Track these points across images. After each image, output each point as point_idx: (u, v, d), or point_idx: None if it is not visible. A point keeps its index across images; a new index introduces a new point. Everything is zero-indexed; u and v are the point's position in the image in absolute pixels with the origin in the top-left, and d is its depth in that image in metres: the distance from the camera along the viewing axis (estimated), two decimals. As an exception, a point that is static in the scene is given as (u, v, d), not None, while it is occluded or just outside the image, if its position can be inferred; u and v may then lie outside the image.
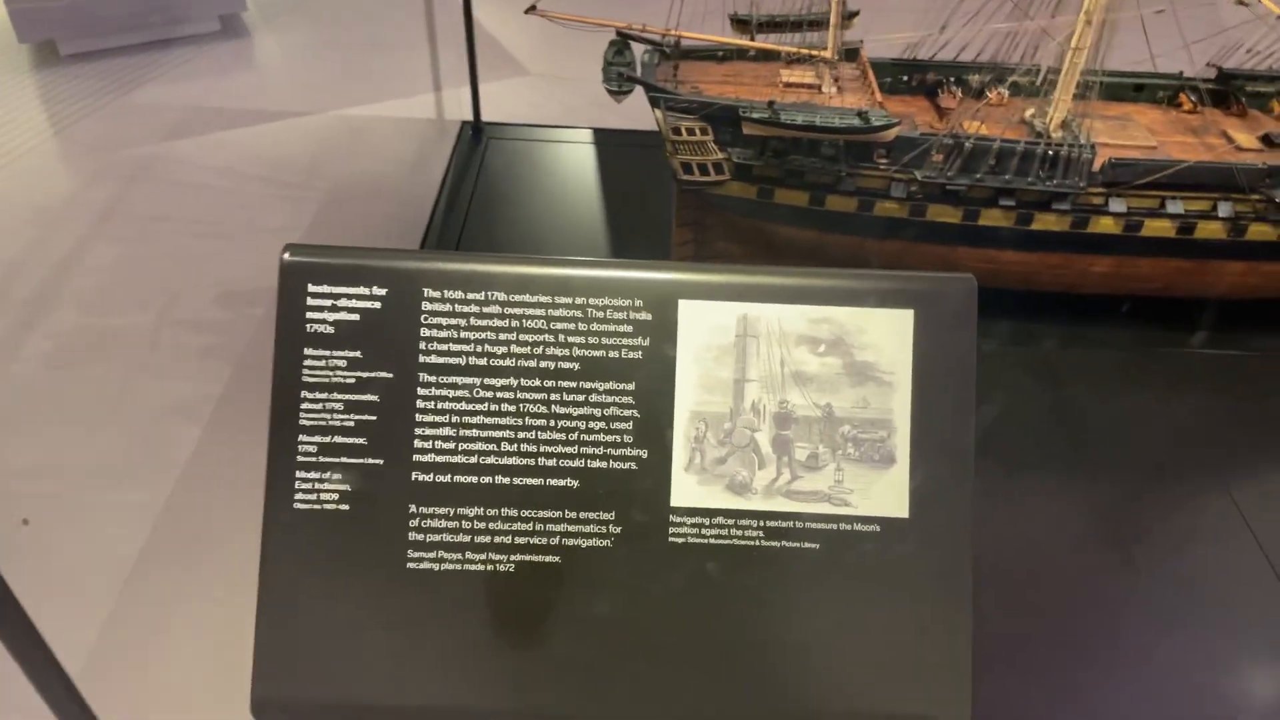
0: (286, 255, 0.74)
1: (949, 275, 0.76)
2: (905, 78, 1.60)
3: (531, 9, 1.43)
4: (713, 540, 0.73)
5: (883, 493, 0.74)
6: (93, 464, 1.50)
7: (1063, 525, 1.39)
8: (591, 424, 0.74)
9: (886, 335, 0.75)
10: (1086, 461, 1.45)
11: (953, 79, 1.59)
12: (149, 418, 1.61)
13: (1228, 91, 1.65)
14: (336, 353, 0.73)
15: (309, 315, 0.73)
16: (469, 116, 2.18)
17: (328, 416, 0.73)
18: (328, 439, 0.73)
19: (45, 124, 2.35)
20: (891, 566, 0.73)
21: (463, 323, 0.74)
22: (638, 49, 1.54)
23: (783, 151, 1.42)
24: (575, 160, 2.08)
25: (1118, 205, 1.45)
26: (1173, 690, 1.16)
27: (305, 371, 0.73)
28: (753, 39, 1.57)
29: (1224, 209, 1.46)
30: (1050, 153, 1.40)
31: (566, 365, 0.74)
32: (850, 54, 1.57)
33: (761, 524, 0.73)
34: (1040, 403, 1.57)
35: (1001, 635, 1.15)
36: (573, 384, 0.74)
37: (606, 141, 2.11)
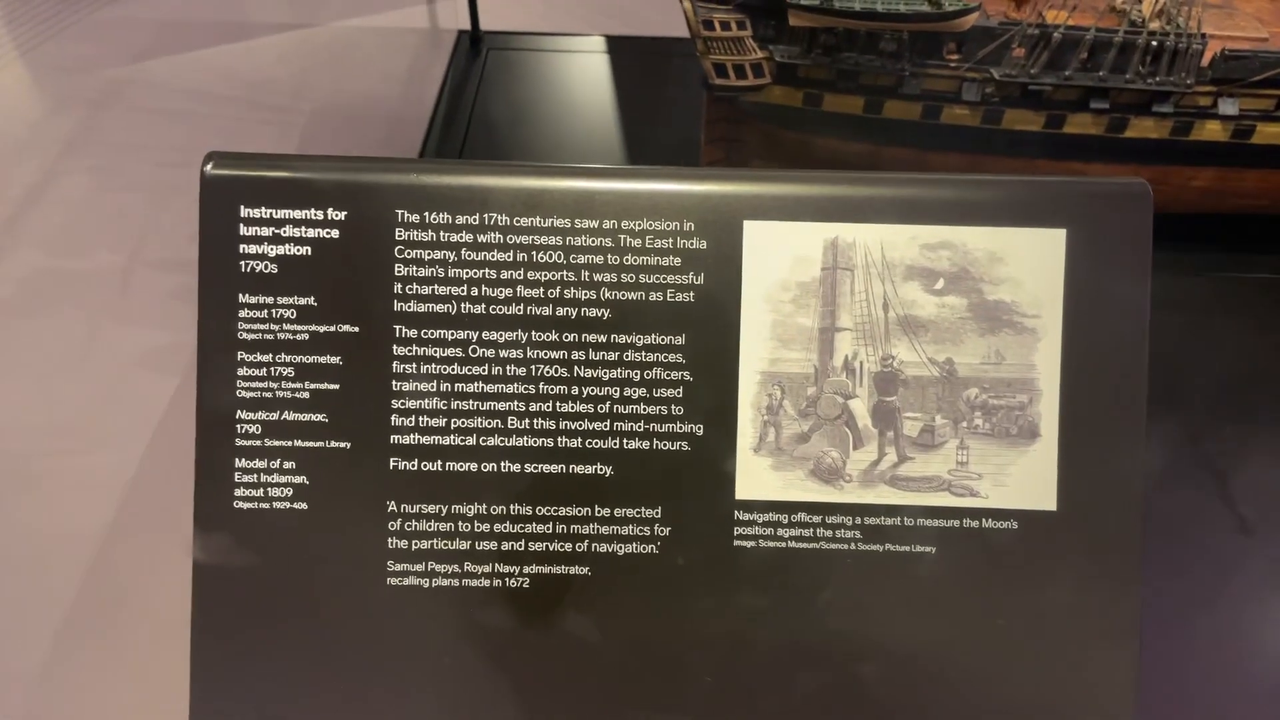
0: (209, 167, 0.54)
1: (1115, 180, 0.56)
2: (975, -39, 1.36)
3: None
4: (793, 544, 0.55)
5: (1022, 478, 0.55)
6: (54, 423, 1.33)
7: (1170, 478, 1.21)
8: (628, 391, 0.55)
9: (1029, 265, 0.55)
10: (1191, 404, 1.26)
11: (1031, -39, 1.35)
12: (118, 369, 1.43)
13: (1352, -28, 1.40)
14: (282, 299, 0.54)
15: (243, 249, 0.54)
16: (466, 26, 1.94)
17: (274, 386, 0.54)
18: (275, 415, 0.54)
19: (5, 46, 2.13)
20: (1032, 578, 0.55)
21: (451, 256, 0.54)
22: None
23: (834, 48, 1.19)
24: (586, 72, 1.85)
25: (1228, 107, 1.23)
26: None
27: (241, 325, 0.54)
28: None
29: (1355, 109, 1.23)
30: (1154, 44, 1.17)
31: (593, 312, 0.55)
32: (911, -68, 1.32)
33: (858, 522, 0.55)
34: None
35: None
36: (602, 337, 0.55)
37: (621, 50, 1.87)
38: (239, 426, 0.54)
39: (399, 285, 0.54)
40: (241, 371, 0.54)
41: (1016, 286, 0.54)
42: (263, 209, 0.53)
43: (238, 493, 0.54)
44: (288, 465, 0.54)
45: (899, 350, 0.55)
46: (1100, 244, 0.54)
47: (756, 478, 0.54)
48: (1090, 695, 0.53)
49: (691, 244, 0.54)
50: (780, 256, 0.55)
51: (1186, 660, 0.97)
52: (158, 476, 1.27)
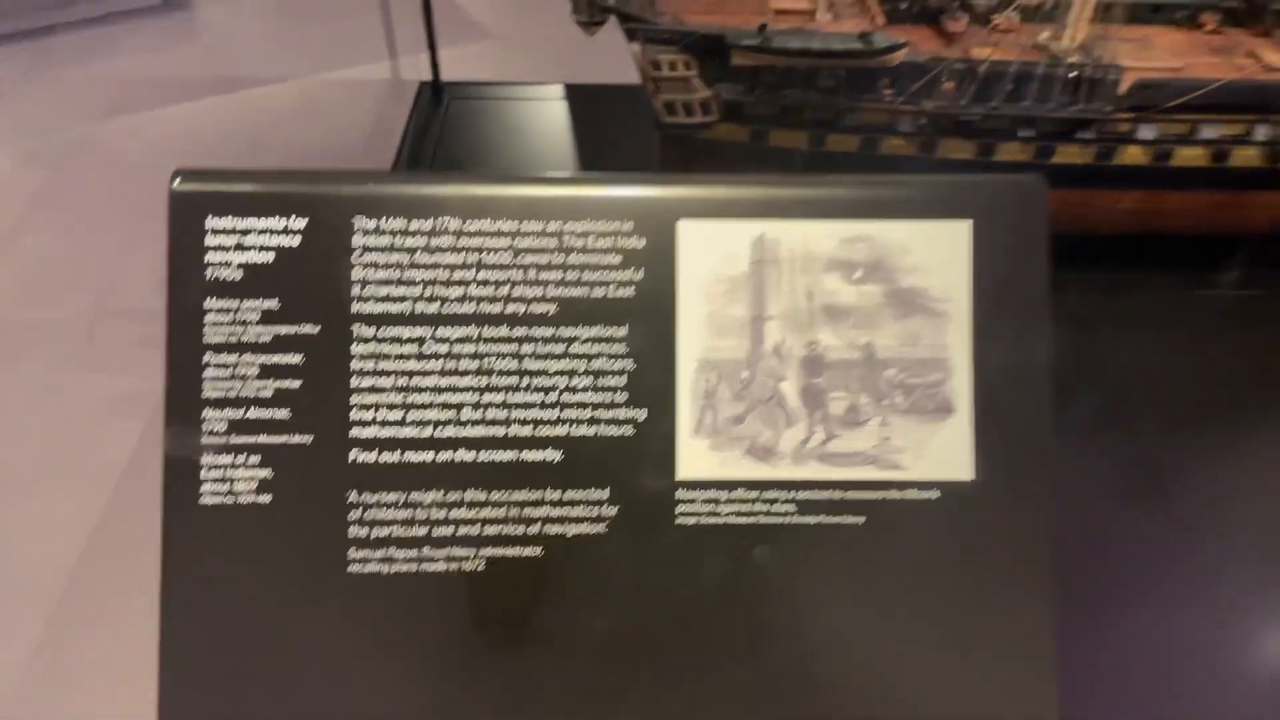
0: (177, 182, 0.58)
1: (1012, 176, 0.61)
2: (905, 3, 1.45)
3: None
4: (732, 519, 0.58)
5: (941, 450, 0.59)
6: (20, 470, 1.33)
7: (1102, 476, 1.26)
8: (575, 380, 0.59)
9: (938, 253, 0.60)
10: (1122, 411, 1.32)
11: (957, 3, 1.44)
12: (84, 415, 1.45)
13: (1253, 10, 1.51)
14: (247, 302, 0.58)
15: (210, 257, 0.57)
16: (428, 77, 2.00)
17: (238, 384, 0.57)
18: (240, 413, 0.57)
19: (-32, 106, 2.17)
20: (955, 542, 0.59)
21: (406, 259, 0.58)
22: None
23: (776, 85, 1.27)
24: (545, 120, 1.92)
25: (1147, 132, 1.31)
26: (1214, 640, 1.03)
27: (207, 328, 0.57)
28: (737, -36, 1.41)
29: (1261, 132, 1.32)
30: (1073, 75, 1.26)
31: (540, 308, 0.59)
32: (845, -22, 1.42)
33: (792, 496, 0.59)
34: (1069, 353, 1.42)
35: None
36: (549, 331, 0.59)
37: (579, 98, 1.94)
38: (205, 424, 0.57)
39: (357, 287, 0.58)
40: (208, 372, 0.57)
41: (928, 274, 0.59)
42: (228, 218, 0.57)
43: (205, 489, 0.57)
44: (253, 460, 0.57)
45: (823, 336, 0.59)
46: (1002, 233, 0.59)
47: (696, 458, 0.58)
48: (1011, 643, 0.56)
49: (630, 243, 0.59)
50: (712, 252, 0.59)
51: (1115, 647, 1.01)
52: (122, 522, 1.28)
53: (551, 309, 0.58)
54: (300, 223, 0.58)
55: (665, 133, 1.37)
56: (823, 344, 0.59)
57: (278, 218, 0.57)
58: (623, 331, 0.58)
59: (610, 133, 1.82)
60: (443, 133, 1.83)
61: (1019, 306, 0.59)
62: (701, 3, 1.41)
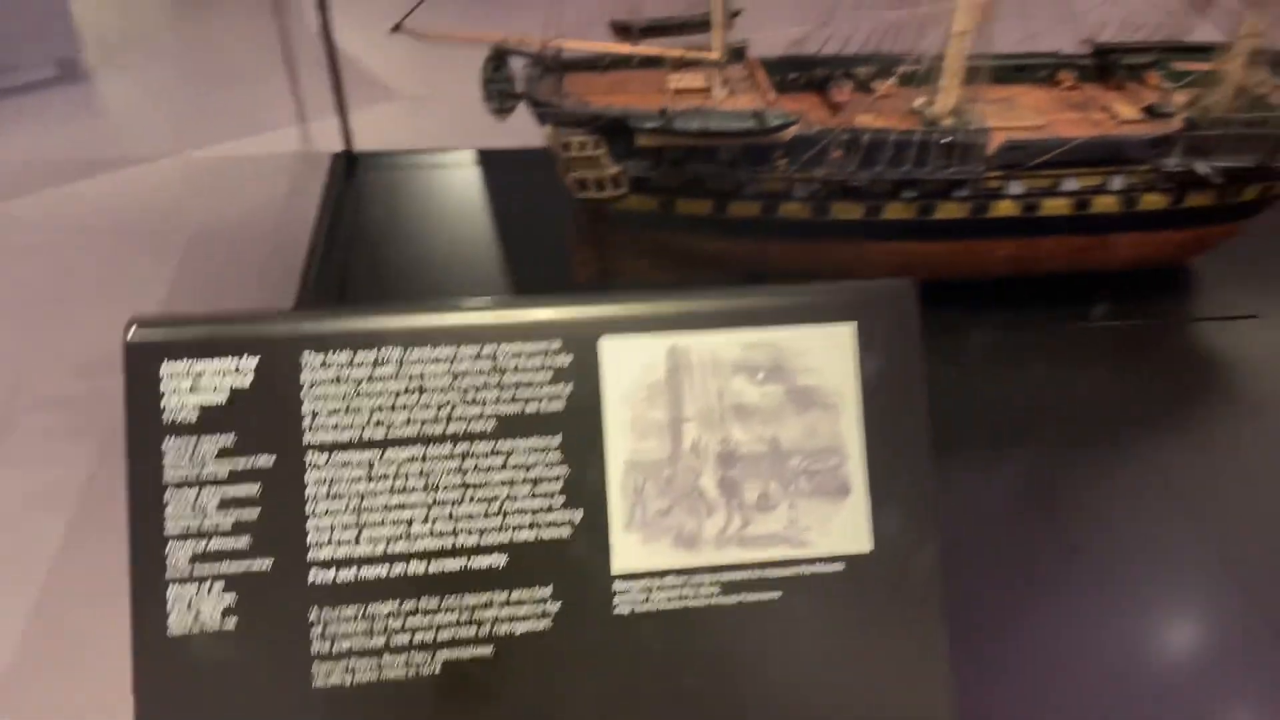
0: (133, 331, 0.62)
1: (886, 281, 0.70)
2: (793, 75, 1.57)
3: (397, 28, 1.32)
4: (664, 605, 0.65)
5: (842, 526, 0.67)
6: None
7: (994, 499, 1.38)
8: (515, 489, 0.65)
9: (828, 354, 0.68)
10: (1010, 438, 1.45)
11: (841, 73, 1.56)
12: (3, 513, 1.42)
13: (1105, 66, 1.68)
14: (204, 441, 0.62)
15: (166, 401, 0.62)
16: (339, 147, 2.03)
17: (199, 519, 0.61)
18: (203, 545, 0.61)
19: None
20: (859, 606, 0.67)
21: (352, 389, 0.64)
22: (516, 63, 1.45)
23: (680, 160, 1.36)
24: (460, 185, 1.97)
25: (1015, 187, 1.45)
26: (1110, 648, 1.15)
27: (167, 467, 0.61)
28: (635, 45, 1.50)
29: (1116, 182, 1.47)
30: (945, 141, 1.38)
31: (479, 425, 0.65)
32: (737, 54, 1.52)
33: (717, 578, 0.66)
34: (961, 386, 1.55)
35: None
36: (489, 445, 0.65)
37: (491, 162, 2.01)
38: (169, 558, 0.60)
39: (308, 418, 0.63)
40: (169, 509, 0.61)
41: (820, 373, 0.68)
42: (182, 363, 0.62)
43: (171, 620, 0.60)
44: (217, 588, 0.61)
45: (735, 432, 0.67)
46: (880, 332, 0.68)
47: (629, 552, 0.65)
48: (912, 686, 0.65)
49: (558, 360, 0.66)
50: (632, 364, 0.66)
51: (1008, 666, 1.11)
52: (50, 624, 1.27)
53: (490, 425, 0.64)
54: (251, 362, 0.62)
55: (579, 205, 1.45)
56: (735, 440, 0.67)
57: (230, 359, 0.62)
58: (556, 441, 0.65)
59: (524, 198, 1.89)
60: (358, 204, 1.87)
61: (899, 395, 0.67)
62: (605, 83, 1.49)
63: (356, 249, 1.75)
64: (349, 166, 1.98)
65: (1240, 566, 1.26)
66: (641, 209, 1.45)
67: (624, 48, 1.47)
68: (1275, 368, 1.64)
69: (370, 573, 0.63)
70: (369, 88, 2.49)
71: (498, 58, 1.41)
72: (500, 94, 1.36)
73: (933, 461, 0.68)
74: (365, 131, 2.11)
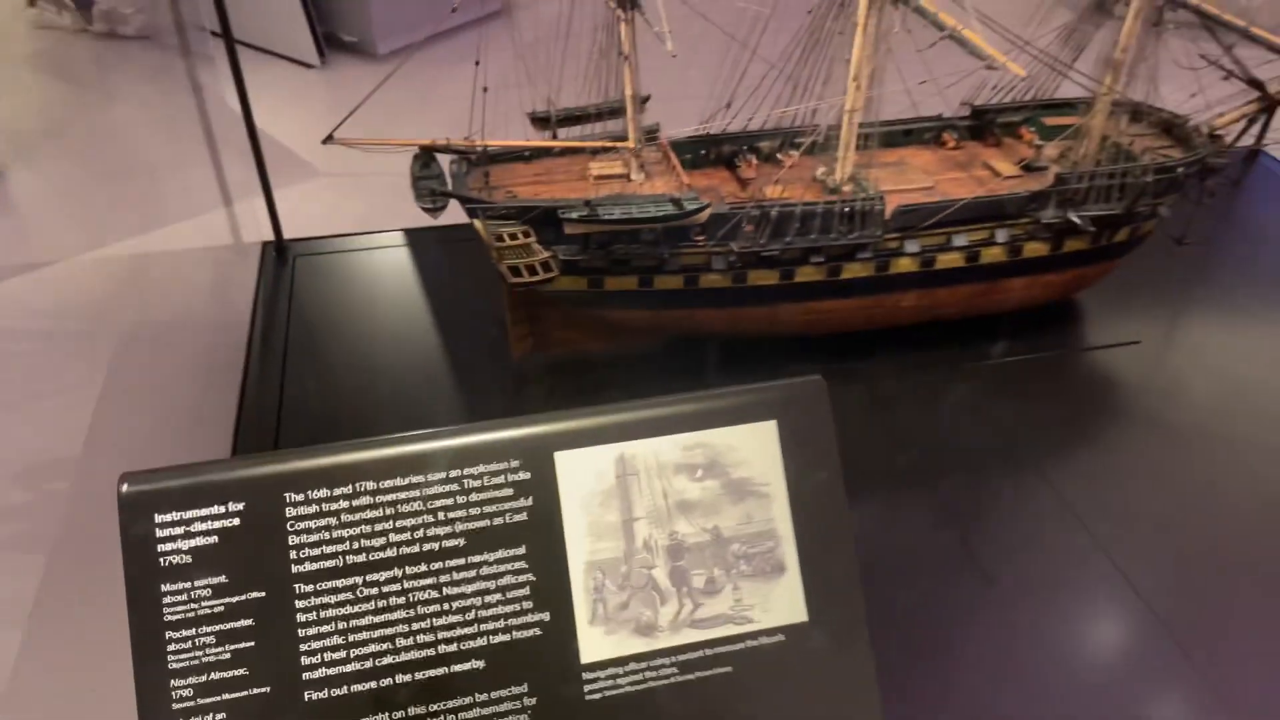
0: (125, 486, 0.67)
1: (800, 380, 0.80)
2: (703, 151, 1.68)
3: (329, 139, 1.38)
4: (629, 689, 0.73)
5: (780, 601, 0.76)
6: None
7: (916, 534, 1.49)
8: (488, 598, 0.72)
9: (756, 449, 0.78)
10: (926, 477, 1.57)
11: (746, 147, 1.69)
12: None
13: (982, 125, 1.84)
14: (198, 582, 0.67)
15: (161, 548, 0.67)
16: (267, 234, 2.07)
17: (199, 654, 0.67)
18: (203, 678, 0.67)
19: None
20: (800, 669, 0.76)
21: (333, 521, 0.70)
22: (443, 158, 1.53)
23: (606, 243, 1.45)
24: (393, 266, 2.03)
25: (912, 246, 1.58)
26: (1026, 661, 1.27)
27: (166, 610, 0.67)
28: (555, 135, 1.60)
29: (1001, 235, 1.62)
30: (846, 210, 1.51)
31: (451, 543, 0.72)
32: (650, 136, 1.63)
33: (674, 660, 0.74)
34: (878, 428, 1.68)
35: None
36: (461, 561, 0.72)
37: (421, 241, 2.07)
38: (174, 694, 0.66)
39: (294, 552, 0.69)
40: (170, 648, 0.66)
41: (751, 466, 0.77)
42: (174, 513, 0.67)
43: (178, 750, 0.65)
44: (219, 717, 0.66)
45: (680, 526, 0.76)
46: (799, 426, 0.78)
47: (595, 644, 0.73)
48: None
49: (518, 477, 0.73)
50: (585, 474, 0.75)
51: (934, 698, 1.22)
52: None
53: (461, 542, 0.72)
54: (238, 506, 0.68)
55: (513, 288, 1.53)
56: (681, 533, 0.75)
57: (217, 506, 0.68)
58: (521, 550, 0.72)
59: (456, 275, 1.96)
60: (293, 293, 1.91)
61: (819, 481, 0.77)
62: (530, 172, 1.58)
63: (295, 339, 1.79)
64: (279, 254, 2.02)
65: (1138, 578, 1.40)
66: (573, 288, 1.54)
67: (547, 142, 1.57)
68: (1157, 388, 1.82)
69: (360, 687, 0.69)
70: (291, 168, 2.53)
71: (425, 155, 1.49)
72: (430, 192, 1.44)
73: (852, 532, 0.77)
74: (293, 215, 2.14)
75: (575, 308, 1.61)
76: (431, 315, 1.89)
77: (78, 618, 1.38)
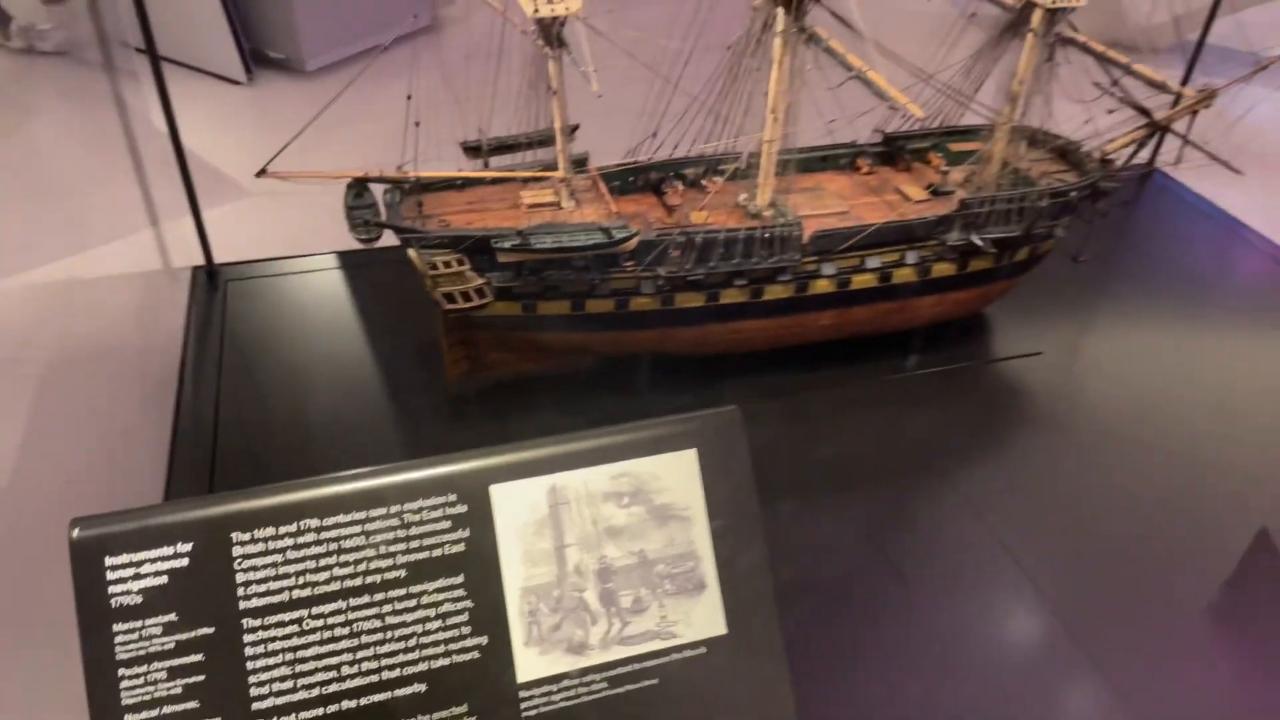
0: (76, 531, 0.70)
1: (717, 410, 0.87)
2: (631, 179, 1.75)
3: (261, 173, 1.41)
4: (564, 704, 0.78)
5: (702, 616, 0.83)
6: None
7: (832, 541, 1.58)
8: (428, 625, 0.77)
9: (677, 476, 0.84)
10: (845, 486, 1.66)
11: (672, 174, 1.76)
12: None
13: (894, 151, 1.95)
14: (149, 621, 0.71)
15: (111, 590, 0.70)
16: (197, 257, 2.06)
17: (152, 689, 0.70)
18: (156, 712, 0.70)
19: None
20: (721, 678, 0.82)
21: (279, 558, 0.74)
22: (377, 186, 1.56)
23: (538, 269, 1.50)
24: (326, 289, 2.04)
25: (829, 268, 1.67)
26: (933, 658, 1.36)
27: (118, 649, 0.70)
28: (486, 164, 1.64)
29: (911, 257, 1.73)
30: (766, 235, 1.59)
31: (393, 574, 0.76)
32: (579, 165, 1.69)
33: (605, 675, 0.80)
34: (799, 441, 1.76)
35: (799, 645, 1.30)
36: (402, 591, 0.76)
37: (354, 263, 2.09)
38: (126, 728, 0.69)
39: (241, 589, 0.73)
40: (124, 684, 0.69)
41: (673, 493, 0.83)
42: (124, 555, 0.71)
43: (131, 783, 0.69)
44: (172, 750, 0.70)
45: (609, 551, 0.82)
46: (717, 453, 0.85)
47: (530, 664, 0.78)
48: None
49: (456, 510, 0.79)
50: (519, 505, 0.80)
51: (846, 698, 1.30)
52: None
53: (402, 574, 0.76)
54: (186, 547, 0.72)
55: (447, 315, 1.57)
56: (610, 557, 0.81)
57: (166, 547, 0.72)
58: (460, 579, 0.78)
59: (390, 297, 1.98)
60: (225, 317, 1.91)
61: (736, 504, 0.84)
62: (462, 200, 1.63)
63: (229, 364, 1.79)
64: (210, 279, 2.02)
65: (1039, 577, 1.50)
66: (507, 313, 1.59)
67: (479, 173, 1.61)
68: (1059, 396, 1.94)
69: (308, 714, 0.73)
70: (222, 188, 2.51)
71: (358, 185, 1.52)
72: (364, 223, 1.47)
73: (764, 548, 0.85)
74: (223, 235, 2.14)
75: (509, 331, 1.66)
76: (366, 337, 1.91)
77: (15, 650, 1.37)
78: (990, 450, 1.82)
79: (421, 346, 1.83)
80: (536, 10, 1.41)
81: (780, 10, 1.51)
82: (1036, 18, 1.70)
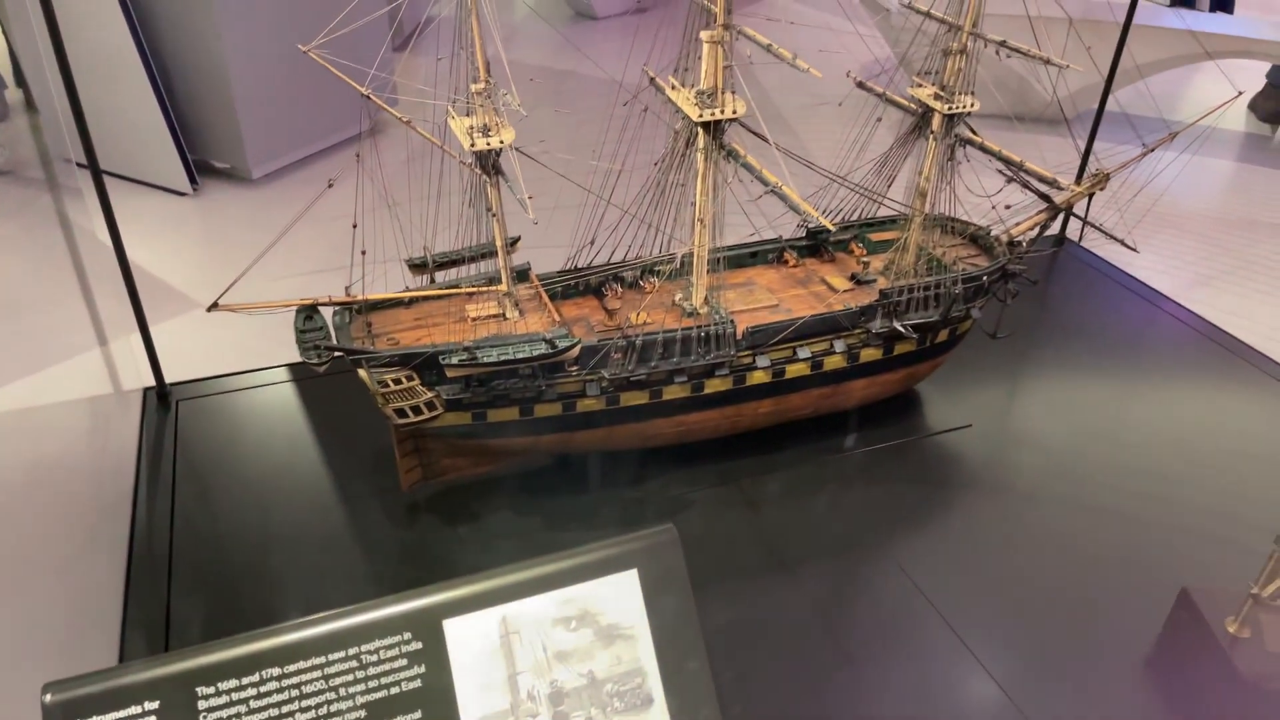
0: (48, 696, 0.74)
1: (654, 530, 0.94)
2: (572, 284, 1.84)
3: (213, 307, 1.46)
4: (524, 824, 0.83)
5: (651, 731, 0.88)
6: None
7: (783, 629, 1.63)
8: (390, 762, 0.81)
9: (620, 596, 0.90)
10: (789, 567, 1.72)
11: (612, 277, 1.85)
12: None
13: (817, 244, 2.07)
14: (117, 781, 0.74)
15: (80, 754, 0.73)
16: (147, 376, 2.09)
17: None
18: None
19: None
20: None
21: (243, 709, 0.78)
22: (326, 309, 1.62)
23: (486, 380, 1.57)
24: (277, 404, 2.08)
25: (763, 360, 1.77)
26: None
27: (87, 810, 0.73)
28: (432, 279, 1.72)
29: (839, 345, 1.83)
30: (703, 334, 1.68)
31: (353, 715, 0.81)
32: (521, 275, 1.77)
33: (562, 794, 0.84)
34: (745, 525, 1.83)
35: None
36: (364, 729, 0.81)
37: (305, 374, 2.13)
38: None
39: (208, 740, 0.76)
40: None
41: (618, 613, 0.89)
42: (94, 718, 0.74)
43: None
44: None
45: (559, 675, 0.87)
46: (657, 572, 0.91)
47: (489, 788, 0.82)
48: None
49: (411, 647, 0.83)
50: (472, 637, 0.85)
51: None
52: None
53: (362, 714, 0.81)
54: (153, 704, 0.76)
55: (399, 429, 1.62)
56: (560, 681, 0.87)
57: (134, 706, 0.75)
58: (418, 715, 0.82)
59: (342, 408, 2.02)
60: (178, 437, 1.93)
61: (677, 621, 0.90)
62: (411, 317, 1.70)
63: (182, 485, 1.81)
64: (161, 399, 2.04)
65: (979, 648, 1.57)
66: (458, 423, 1.65)
67: (426, 291, 1.69)
68: (989, 464, 2.05)
69: None
70: (170, 302, 2.54)
71: (308, 309, 1.58)
72: (315, 346, 1.52)
73: (706, 656, 0.90)
74: (172, 351, 2.16)
75: (461, 439, 1.71)
76: (320, 449, 1.95)
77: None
78: (927, 521, 1.90)
79: (375, 455, 1.87)
80: (474, 145, 1.50)
81: (701, 130, 1.63)
82: (936, 121, 1.85)
